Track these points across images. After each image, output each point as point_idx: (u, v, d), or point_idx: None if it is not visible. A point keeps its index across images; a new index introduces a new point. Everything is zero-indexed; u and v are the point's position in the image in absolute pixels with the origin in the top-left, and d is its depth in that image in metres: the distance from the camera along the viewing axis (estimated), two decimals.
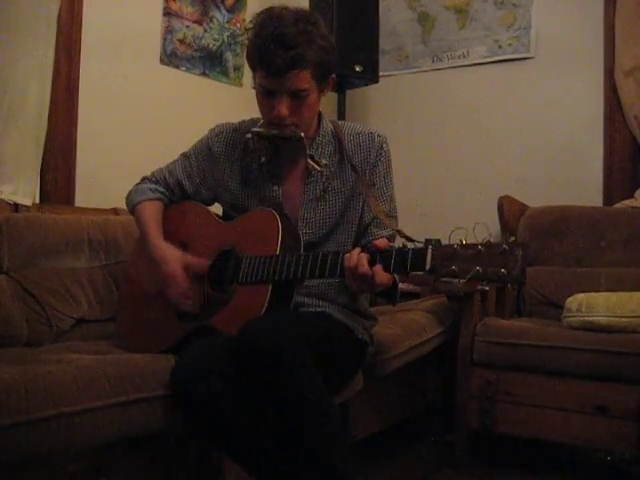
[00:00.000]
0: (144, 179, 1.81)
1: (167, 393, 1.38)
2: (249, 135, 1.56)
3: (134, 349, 1.64)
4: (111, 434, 1.30)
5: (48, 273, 1.92)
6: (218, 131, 1.71)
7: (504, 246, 1.15)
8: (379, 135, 1.64)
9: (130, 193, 1.80)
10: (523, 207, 2.74)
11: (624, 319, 1.95)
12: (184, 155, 1.77)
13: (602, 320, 1.98)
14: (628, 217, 2.55)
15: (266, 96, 1.49)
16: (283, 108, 1.47)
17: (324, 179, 1.60)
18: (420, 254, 1.24)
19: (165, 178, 1.77)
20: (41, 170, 2.27)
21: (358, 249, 1.33)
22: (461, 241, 1.20)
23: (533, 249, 2.50)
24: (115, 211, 2.29)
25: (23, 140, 2.18)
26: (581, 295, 2.07)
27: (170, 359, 1.46)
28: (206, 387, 1.32)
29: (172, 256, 1.60)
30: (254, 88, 1.54)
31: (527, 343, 2.03)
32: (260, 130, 1.55)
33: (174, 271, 1.57)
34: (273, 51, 1.40)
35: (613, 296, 2.03)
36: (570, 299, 2.09)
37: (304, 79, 1.46)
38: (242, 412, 1.36)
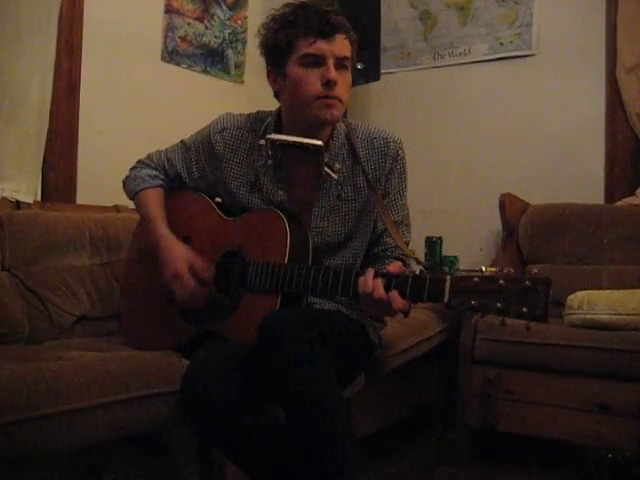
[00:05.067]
0: (140, 163, 1.75)
1: (169, 390, 1.38)
2: (263, 142, 1.53)
3: (139, 345, 1.64)
4: (112, 432, 1.30)
5: (50, 271, 1.92)
6: (221, 127, 1.61)
7: (527, 282, 1.11)
8: (394, 141, 1.57)
9: (128, 178, 1.74)
10: (524, 205, 2.74)
11: (626, 317, 1.95)
12: (185, 145, 1.69)
13: (604, 318, 1.97)
14: (629, 215, 2.54)
15: (312, 67, 1.44)
16: (334, 72, 1.43)
17: (338, 187, 1.55)
18: (438, 286, 1.19)
19: (164, 166, 1.71)
20: (43, 168, 2.27)
21: (372, 272, 1.28)
22: (481, 271, 1.17)
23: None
24: (117, 208, 2.29)
25: (25, 138, 2.17)
26: (582, 293, 2.07)
27: (171, 356, 1.46)
28: (220, 390, 1.30)
29: (178, 252, 1.55)
30: (269, 79, 1.52)
31: (528, 341, 2.03)
32: (277, 137, 1.51)
33: (180, 270, 1.51)
34: (324, 14, 1.44)
35: (615, 294, 2.02)
36: (571, 297, 2.08)
37: (347, 47, 1.49)
38: (255, 417, 1.33)
